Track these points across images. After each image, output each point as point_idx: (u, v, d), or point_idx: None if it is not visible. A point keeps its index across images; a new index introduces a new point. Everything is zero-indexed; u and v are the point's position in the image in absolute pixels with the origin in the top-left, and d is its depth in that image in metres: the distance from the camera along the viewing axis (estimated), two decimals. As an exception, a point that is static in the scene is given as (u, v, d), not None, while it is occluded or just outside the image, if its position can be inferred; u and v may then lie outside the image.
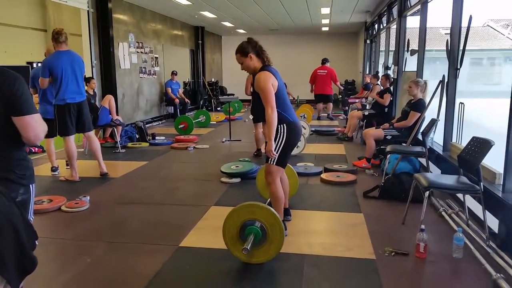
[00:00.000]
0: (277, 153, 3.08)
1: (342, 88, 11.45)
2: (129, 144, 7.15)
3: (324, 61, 10.91)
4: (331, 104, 11.11)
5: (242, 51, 3.10)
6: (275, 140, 3.06)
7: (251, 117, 6.37)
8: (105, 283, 2.59)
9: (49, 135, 4.84)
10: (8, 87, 1.66)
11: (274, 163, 3.13)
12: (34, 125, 1.74)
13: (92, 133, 5.05)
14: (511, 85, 3.01)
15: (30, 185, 1.81)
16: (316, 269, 2.74)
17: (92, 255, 2.95)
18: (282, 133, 3.09)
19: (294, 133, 3.16)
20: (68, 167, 5.02)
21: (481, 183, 2.96)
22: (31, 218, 1.86)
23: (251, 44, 3.12)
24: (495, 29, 12.42)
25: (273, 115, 2.93)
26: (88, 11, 7.60)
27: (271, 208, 2.77)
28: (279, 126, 3.06)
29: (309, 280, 2.59)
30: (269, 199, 3.40)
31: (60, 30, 4.60)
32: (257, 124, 6.17)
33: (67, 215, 3.75)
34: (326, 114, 11.13)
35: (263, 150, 5.89)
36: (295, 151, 6.07)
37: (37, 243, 1.80)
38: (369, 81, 10.22)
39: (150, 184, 4.81)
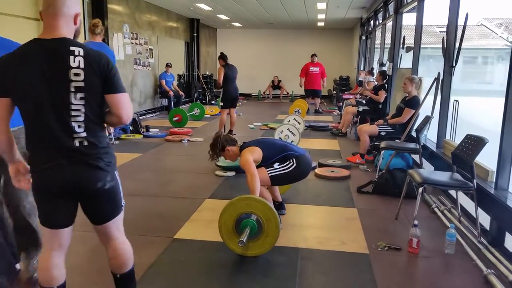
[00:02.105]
0: (276, 172, 3.23)
1: (325, 84, 11.78)
2: (123, 136, 7.11)
3: (314, 56, 11.11)
4: (319, 99, 11.58)
5: (221, 149, 3.40)
6: (281, 165, 3.26)
7: (221, 103, 7.43)
8: (100, 274, 2.59)
9: None
10: (104, 65, 1.71)
11: (270, 174, 3.21)
12: (127, 103, 1.79)
13: None
14: (505, 84, 3.03)
15: (115, 172, 1.85)
16: (310, 262, 2.76)
17: (85, 246, 2.94)
18: (291, 164, 3.27)
19: (302, 167, 3.31)
20: None
21: (474, 180, 3.00)
22: (123, 203, 1.92)
23: (220, 140, 3.42)
24: (488, 28, 12.51)
25: (253, 180, 3.00)
26: (83, 0, 7.52)
27: (267, 202, 2.79)
28: (289, 160, 3.29)
29: (303, 273, 2.61)
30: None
31: (96, 22, 4.77)
32: (224, 110, 7.28)
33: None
34: (314, 109, 11.40)
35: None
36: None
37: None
38: (363, 77, 10.26)
39: (144, 176, 4.80)
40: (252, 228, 2.70)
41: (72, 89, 1.66)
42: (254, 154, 3.22)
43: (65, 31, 1.70)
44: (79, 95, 1.67)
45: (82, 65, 1.66)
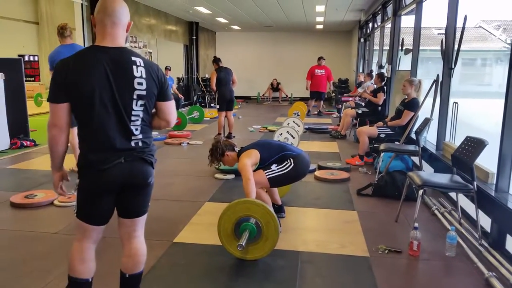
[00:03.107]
0: (274, 173, 3.21)
1: (331, 88, 11.87)
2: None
3: (321, 59, 11.13)
4: (321, 102, 11.63)
5: (220, 155, 3.42)
6: (279, 166, 3.24)
7: (217, 106, 7.38)
8: (99, 278, 2.57)
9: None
10: (161, 76, 1.90)
11: (268, 176, 3.20)
12: (174, 110, 2.00)
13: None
14: (505, 86, 3.03)
15: None
16: (311, 266, 2.75)
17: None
18: (288, 164, 3.25)
19: (299, 166, 3.28)
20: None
21: (475, 182, 3.00)
22: (149, 204, 2.04)
23: (220, 145, 3.44)
24: (487, 30, 12.54)
25: (249, 185, 3.00)
26: (81, 4, 7.53)
27: (267, 205, 2.78)
28: (286, 160, 3.26)
29: (304, 277, 2.60)
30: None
31: (64, 25, 4.69)
32: (221, 112, 7.29)
33: (60, 209, 3.72)
34: (317, 111, 11.48)
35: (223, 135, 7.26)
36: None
37: None
38: (362, 80, 10.27)
39: (144, 180, 4.78)
40: (251, 232, 2.69)
41: (135, 97, 1.80)
42: (251, 158, 3.21)
43: (122, 39, 1.83)
44: (140, 102, 1.82)
45: (144, 75, 1.81)
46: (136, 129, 1.84)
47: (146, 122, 1.89)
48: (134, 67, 1.79)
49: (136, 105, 1.81)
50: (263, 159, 3.27)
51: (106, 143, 1.79)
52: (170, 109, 1.96)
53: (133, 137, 1.84)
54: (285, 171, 3.22)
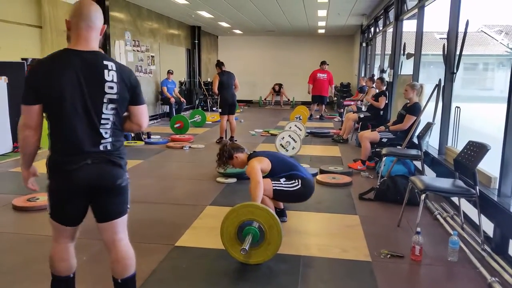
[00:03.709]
0: (281, 187, 3.23)
1: (333, 92, 11.90)
2: (124, 143, 7.09)
3: (324, 64, 11.15)
4: (323, 106, 11.65)
5: (228, 157, 3.44)
6: (287, 182, 3.26)
7: (219, 110, 7.44)
8: (101, 281, 2.57)
9: None
10: (134, 81, 1.93)
11: (274, 187, 3.20)
12: (147, 113, 2.03)
13: None
14: (507, 90, 3.02)
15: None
16: (312, 270, 2.74)
17: (87, 253, 2.92)
18: (296, 184, 3.26)
19: (305, 190, 3.30)
20: None
21: (477, 187, 2.99)
22: (129, 206, 2.04)
23: (227, 148, 3.47)
24: (489, 35, 12.54)
25: (257, 188, 3.01)
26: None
27: (270, 209, 2.77)
28: (295, 179, 3.28)
29: (305, 281, 2.59)
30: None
31: None
32: (223, 116, 7.30)
33: (61, 213, 3.72)
34: (319, 115, 11.53)
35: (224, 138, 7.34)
36: (290, 152, 6.09)
37: None
38: (364, 84, 10.29)
39: (146, 183, 4.79)
40: (254, 236, 2.68)
41: (106, 101, 1.82)
42: (262, 164, 3.22)
43: (95, 43, 1.86)
44: (110, 105, 1.84)
45: (115, 79, 1.83)
46: (106, 133, 1.85)
47: (117, 126, 1.90)
48: (106, 71, 1.81)
49: (107, 108, 1.83)
50: (273, 171, 3.28)
51: (74, 145, 1.81)
52: (142, 113, 1.98)
53: (102, 141, 1.85)
54: (291, 188, 3.24)
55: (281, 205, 3.57)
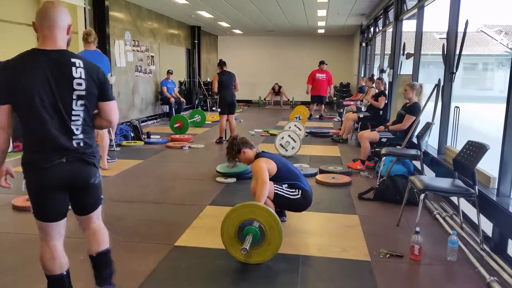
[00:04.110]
0: (282, 192, 3.24)
1: (332, 92, 11.90)
2: (124, 143, 7.12)
3: (323, 63, 11.14)
4: (323, 106, 11.67)
5: (237, 151, 3.41)
6: (289, 189, 3.28)
7: (218, 110, 7.49)
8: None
9: None
10: (101, 76, 1.99)
11: (275, 191, 3.21)
12: (116, 109, 2.09)
13: (105, 130, 5.25)
14: (506, 90, 3.03)
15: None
16: (312, 270, 2.75)
17: (85, 252, 2.91)
18: (296, 193, 3.28)
19: (304, 201, 3.31)
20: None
21: (476, 187, 2.99)
22: (102, 197, 2.16)
23: (236, 142, 3.44)
24: (488, 35, 12.55)
25: (263, 187, 3.03)
26: (84, 8, 7.57)
27: (271, 209, 2.78)
28: (296, 189, 3.30)
29: (305, 281, 2.60)
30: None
31: (89, 31, 4.98)
32: (222, 116, 7.37)
33: (61, 212, 3.72)
34: (319, 115, 11.54)
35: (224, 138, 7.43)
36: (290, 152, 6.10)
37: None
38: (364, 84, 10.29)
39: (145, 183, 4.79)
40: (254, 235, 2.69)
41: (75, 97, 1.89)
42: (269, 166, 3.22)
43: (62, 42, 1.92)
44: (80, 102, 1.91)
45: (83, 76, 1.90)
46: (77, 129, 1.92)
47: (87, 122, 1.97)
48: (74, 68, 1.88)
49: (76, 105, 1.90)
50: (277, 177, 3.28)
51: (48, 142, 1.87)
52: (111, 109, 2.05)
53: (74, 137, 1.92)
54: (291, 196, 3.26)
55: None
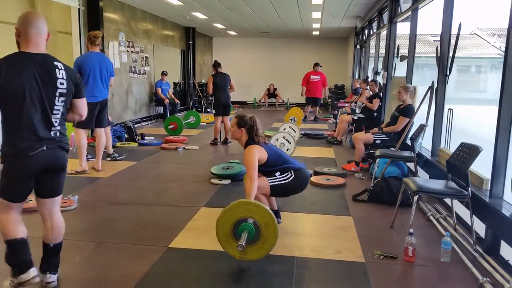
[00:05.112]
0: (277, 181, 3.26)
1: (327, 94, 11.94)
2: (118, 144, 7.08)
3: (317, 65, 11.19)
4: (317, 107, 11.77)
5: (240, 124, 3.36)
6: (281, 175, 3.30)
7: (213, 111, 7.57)
8: (93, 283, 2.56)
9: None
10: (77, 77, 2.37)
11: (270, 183, 3.24)
12: (86, 106, 2.48)
13: (103, 130, 5.35)
14: (498, 93, 3.05)
15: None
16: (306, 272, 2.75)
17: (80, 255, 2.91)
18: (290, 175, 3.30)
19: (299, 179, 3.33)
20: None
21: (469, 188, 3.01)
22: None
23: (247, 120, 3.38)
24: (481, 37, 12.64)
25: (251, 185, 3.04)
26: (78, 9, 7.54)
27: (267, 207, 2.78)
28: (288, 171, 3.32)
29: (299, 282, 2.60)
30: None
31: (96, 34, 5.10)
32: (217, 117, 7.37)
33: (54, 214, 3.70)
34: (313, 117, 11.57)
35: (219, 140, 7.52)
36: (285, 154, 6.09)
37: None
38: (358, 86, 10.32)
39: (139, 184, 4.78)
40: (250, 232, 2.68)
41: (57, 94, 2.24)
42: (260, 153, 3.23)
43: (43, 47, 2.25)
44: (61, 98, 2.27)
45: (64, 77, 2.25)
46: (56, 121, 2.27)
47: (64, 116, 2.32)
48: (57, 70, 2.23)
49: (58, 101, 2.25)
50: (268, 164, 3.28)
51: (32, 133, 2.18)
52: (83, 105, 2.44)
53: (53, 128, 2.26)
54: (286, 181, 3.28)
55: (275, 206, 3.58)
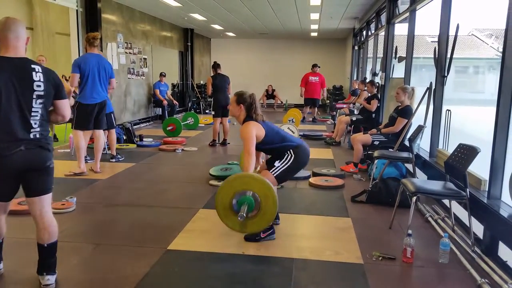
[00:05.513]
0: (279, 170, 3.21)
1: (325, 95, 11.96)
2: (116, 145, 7.06)
3: (316, 67, 11.21)
4: (316, 108, 11.77)
5: (240, 100, 3.32)
6: (281, 162, 3.25)
7: (212, 112, 7.52)
8: (91, 285, 2.56)
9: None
10: (56, 79, 2.39)
11: (274, 175, 3.20)
12: (68, 106, 2.52)
13: (102, 132, 5.35)
14: (496, 94, 3.06)
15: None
16: (305, 273, 2.75)
17: (78, 256, 2.91)
18: (289, 157, 3.26)
19: (300, 158, 3.30)
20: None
21: (467, 189, 3.02)
22: (52, 186, 2.49)
23: (246, 98, 3.35)
24: (479, 38, 12.67)
25: (249, 159, 3.04)
26: (76, 10, 7.53)
27: (265, 179, 2.77)
28: (286, 152, 3.27)
29: (298, 284, 2.60)
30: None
31: (95, 35, 5.10)
32: (216, 118, 7.36)
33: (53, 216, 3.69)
34: (312, 118, 11.60)
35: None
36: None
37: None
38: (357, 87, 10.34)
39: (138, 186, 4.77)
40: (249, 205, 2.67)
41: (35, 97, 2.28)
42: (258, 130, 3.19)
43: (22, 50, 2.32)
44: (39, 100, 2.30)
45: (42, 79, 2.29)
46: (35, 123, 2.30)
47: (44, 117, 2.35)
48: (34, 73, 2.27)
49: (36, 103, 2.29)
50: (265, 142, 3.25)
51: (9, 134, 2.22)
52: (64, 106, 2.46)
53: (32, 130, 2.29)
54: (287, 164, 3.24)
55: None
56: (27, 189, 2.39)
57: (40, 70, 2.29)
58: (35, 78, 2.26)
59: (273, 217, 2.73)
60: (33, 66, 2.28)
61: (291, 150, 3.28)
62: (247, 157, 3.04)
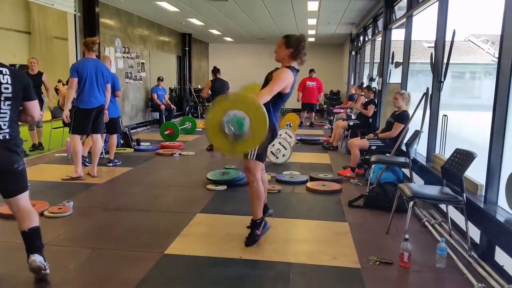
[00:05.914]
0: (255, 150, 3.08)
1: (320, 99, 12.02)
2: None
3: (312, 71, 11.26)
4: (313, 113, 11.83)
5: (291, 44, 3.26)
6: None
7: None
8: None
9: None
10: (25, 81, 2.43)
11: (254, 158, 3.12)
12: (38, 107, 2.57)
13: (99, 136, 5.36)
14: (492, 99, 3.08)
15: (23, 159, 2.51)
16: (302, 278, 2.74)
17: (75, 261, 2.90)
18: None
19: (273, 133, 3.17)
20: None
21: (464, 194, 3.03)
22: (28, 185, 2.55)
23: (297, 41, 3.29)
24: (475, 44, 12.75)
25: (262, 99, 2.87)
26: (74, 15, 7.55)
27: (255, 99, 2.73)
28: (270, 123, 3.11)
29: (295, 289, 2.59)
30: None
31: (94, 40, 5.14)
32: None
33: (50, 220, 3.68)
34: (309, 123, 11.64)
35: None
36: (281, 160, 6.11)
37: None
38: (354, 92, 10.38)
39: (135, 190, 4.76)
40: (239, 124, 2.64)
41: (2, 99, 2.32)
42: (289, 85, 3.12)
43: None
44: (7, 102, 2.35)
45: (9, 82, 2.33)
46: (4, 125, 2.35)
47: (13, 119, 2.39)
48: (1, 75, 2.31)
49: (4, 105, 2.33)
50: (283, 98, 3.21)
51: None
52: (33, 107, 2.52)
53: (1, 131, 2.33)
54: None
55: (265, 199, 3.49)
56: (1, 190, 2.45)
57: (8, 73, 2.33)
58: (2, 80, 2.30)
59: (262, 138, 2.65)
60: (0, 68, 2.32)
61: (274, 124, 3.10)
62: (265, 95, 2.87)
